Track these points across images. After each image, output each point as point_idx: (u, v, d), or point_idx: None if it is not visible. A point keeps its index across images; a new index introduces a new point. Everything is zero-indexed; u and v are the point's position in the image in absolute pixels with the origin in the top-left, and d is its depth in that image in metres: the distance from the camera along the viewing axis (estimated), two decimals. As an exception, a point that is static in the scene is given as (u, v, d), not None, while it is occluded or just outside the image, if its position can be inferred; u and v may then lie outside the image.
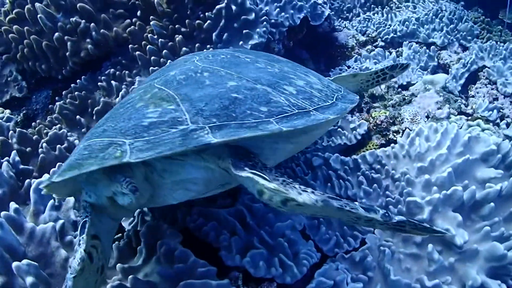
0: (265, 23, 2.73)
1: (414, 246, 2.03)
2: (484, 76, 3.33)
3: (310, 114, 1.42)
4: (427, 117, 2.66)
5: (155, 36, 2.70)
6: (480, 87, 3.27)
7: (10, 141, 2.12)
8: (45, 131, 2.39)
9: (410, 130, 2.62)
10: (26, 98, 2.79)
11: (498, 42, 3.64)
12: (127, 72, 2.69)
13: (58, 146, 2.32)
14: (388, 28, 3.82)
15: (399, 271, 1.99)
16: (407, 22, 3.83)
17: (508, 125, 2.69)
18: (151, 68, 2.63)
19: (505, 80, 3.20)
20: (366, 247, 2.04)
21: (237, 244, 1.70)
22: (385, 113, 2.64)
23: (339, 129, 2.68)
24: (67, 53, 2.58)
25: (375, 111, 2.67)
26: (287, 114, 1.35)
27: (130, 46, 2.69)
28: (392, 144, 2.51)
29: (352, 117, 2.78)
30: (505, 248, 1.87)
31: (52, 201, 1.77)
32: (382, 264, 1.92)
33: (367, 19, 4.08)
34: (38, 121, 2.55)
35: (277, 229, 1.83)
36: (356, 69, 3.36)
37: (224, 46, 2.75)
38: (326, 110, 1.52)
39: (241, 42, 2.72)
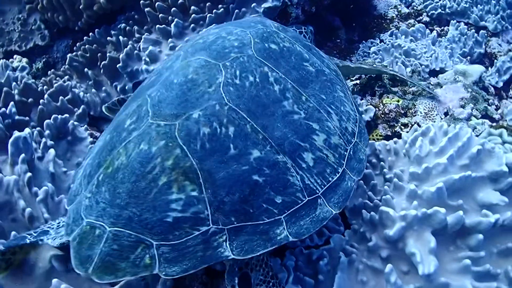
0: (280, -15, 2.33)
1: (378, 260, 1.77)
2: (534, 75, 2.64)
3: (316, 206, 1.41)
4: (446, 114, 2.17)
5: (167, -7, 2.45)
6: None
7: (13, 92, 2.10)
8: (54, 81, 2.34)
9: (419, 126, 2.16)
10: (48, 46, 2.79)
11: None
12: (136, 28, 2.52)
13: (60, 97, 2.27)
14: (437, 2, 3.13)
15: (353, 282, 1.75)
16: (459, -2, 3.10)
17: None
18: (157, 26, 2.41)
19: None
20: (328, 247, 1.84)
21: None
22: (397, 101, 2.21)
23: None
24: (81, 6, 2.43)
25: (388, 97, 2.22)
26: (298, 206, 1.36)
27: (141, 1, 2.47)
28: (395, 139, 2.10)
29: (361, 99, 2.35)
30: None
31: (23, 155, 1.77)
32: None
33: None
34: (52, 70, 2.51)
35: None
36: (388, 44, 2.82)
37: (237, 7, 2.47)
38: (332, 194, 1.48)
39: (253, 4, 2.44)
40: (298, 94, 1.57)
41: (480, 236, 1.61)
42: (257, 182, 1.30)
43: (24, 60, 2.57)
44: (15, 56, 2.65)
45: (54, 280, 1.30)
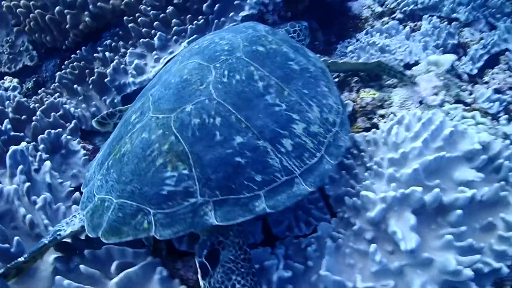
0: (256, -6, 2.51)
1: (364, 242, 1.88)
2: (504, 61, 2.80)
3: (293, 185, 1.59)
4: (421, 103, 2.33)
5: (149, 8, 2.61)
6: (497, 73, 2.82)
7: (6, 110, 2.24)
8: (45, 99, 2.49)
9: (395, 116, 2.31)
10: (37, 66, 2.98)
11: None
12: (121, 43, 2.69)
13: (52, 113, 2.41)
14: (409, -2, 3.32)
15: (342, 265, 1.85)
16: (430, -7, 3.29)
17: (510, 120, 2.26)
18: (141, 40, 2.57)
19: (525, 67, 2.67)
20: (316, 235, 1.96)
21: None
22: (373, 94, 2.37)
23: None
24: (67, 26, 2.60)
25: (364, 91, 2.38)
26: (276, 184, 1.55)
27: (125, 18, 2.65)
28: (374, 129, 2.25)
29: (340, 96, 2.51)
30: (468, 263, 1.66)
31: (21, 166, 1.90)
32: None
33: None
34: (43, 89, 2.67)
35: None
36: (364, 42, 3.00)
37: (216, 17, 2.64)
38: (309, 175, 1.65)
39: (232, 14, 2.61)
40: (281, 89, 1.77)
41: (459, 211, 1.72)
42: (239, 163, 1.52)
43: (15, 80, 2.73)
44: (5, 77, 2.81)
45: (57, 277, 1.42)
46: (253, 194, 1.50)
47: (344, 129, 1.92)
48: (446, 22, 3.23)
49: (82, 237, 1.71)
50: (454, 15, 3.33)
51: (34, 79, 2.86)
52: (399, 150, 1.97)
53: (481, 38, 3.13)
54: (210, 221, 1.41)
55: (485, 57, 3.00)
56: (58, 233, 1.57)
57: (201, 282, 1.43)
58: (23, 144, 2.00)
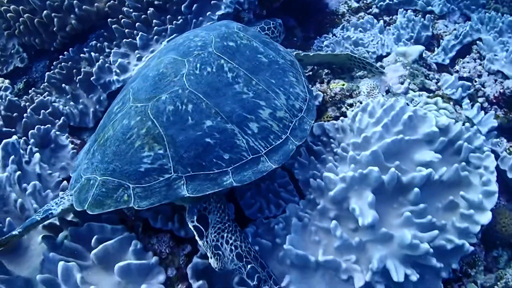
0: (231, -7, 2.74)
1: (328, 221, 2.05)
2: (476, 50, 3.01)
3: (259, 162, 1.82)
4: (387, 92, 2.53)
5: (131, 10, 2.85)
6: (468, 62, 3.03)
7: (-1, 108, 2.48)
8: (35, 98, 2.73)
9: (361, 104, 2.51)
10: (27, 68, 3.26)
11: (505, 14, 3.20)
12: (106, 43, 2.94)
13: (42, 111, 2.64)
14: (385, -7, 3.53)
15: (308, 242, 2.04)
16: (405, -13, 3.51)
17: (472, 105, 2.46)
18: (124, 40, 2.80)
19: (493, 56, 2.89)
20: (284, 216, 2.13)
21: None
22: (342, 85, 2.57)
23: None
24: (55, 28, 2.83)
25: (334, 82, 2.59)
26: (242, 161, 1.78)
27: (109, 20, 2.90)
28: (342, 117, 2.44)
29: (311, 87, 2.71)
30: (428, 239, 1.82)
31: (13, 156, 2.15)
32: (291, 233, 1.98)
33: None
34: (33, 88, 2.91)
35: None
36: (339, 36, 3.22)
37: (194, 17, 2.89)
38: (274, 154, 1.88)
39: (209, 13, 2.83)
40: (249, 79, 2.02)
41: (417, 189, 1.88)
42: (209, 143, 1.76)
43: (7, 81, 3.00)
44: (-3, 79, 3.06)
45: (44, 252, 1.64)
46: (221, 170, 1.74)
47: (310, 114, 2.15)
48: (420, 15, 3.44)
49: (69, 218, 1.93)
50: (429, 8, 3.55)
51: (24, 80, 3.12)
52: (362, 135, 2.16)
53: (454, 29, 3.34)
54: (182, 193, 1.64)
55: (457, 48, 3.22)
56: (50, 211, 1.80)
57: (200, 242, 1.66)
58: (14, 137, 2.22)
